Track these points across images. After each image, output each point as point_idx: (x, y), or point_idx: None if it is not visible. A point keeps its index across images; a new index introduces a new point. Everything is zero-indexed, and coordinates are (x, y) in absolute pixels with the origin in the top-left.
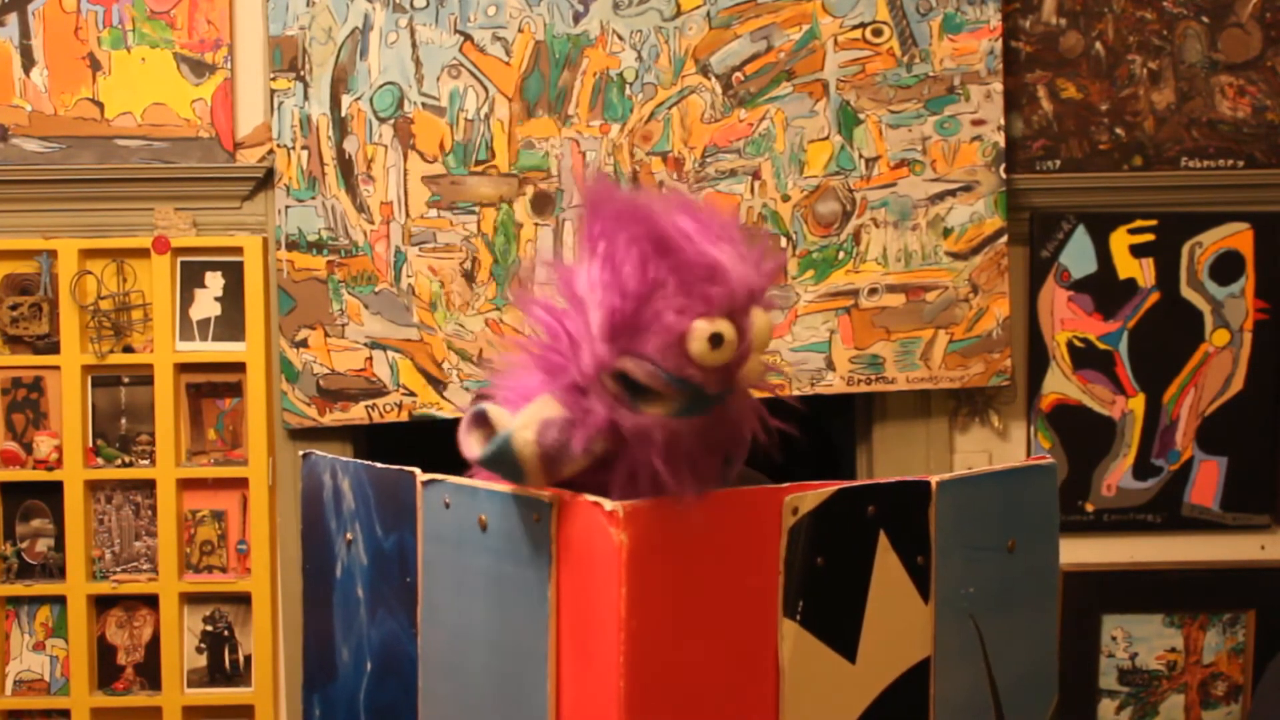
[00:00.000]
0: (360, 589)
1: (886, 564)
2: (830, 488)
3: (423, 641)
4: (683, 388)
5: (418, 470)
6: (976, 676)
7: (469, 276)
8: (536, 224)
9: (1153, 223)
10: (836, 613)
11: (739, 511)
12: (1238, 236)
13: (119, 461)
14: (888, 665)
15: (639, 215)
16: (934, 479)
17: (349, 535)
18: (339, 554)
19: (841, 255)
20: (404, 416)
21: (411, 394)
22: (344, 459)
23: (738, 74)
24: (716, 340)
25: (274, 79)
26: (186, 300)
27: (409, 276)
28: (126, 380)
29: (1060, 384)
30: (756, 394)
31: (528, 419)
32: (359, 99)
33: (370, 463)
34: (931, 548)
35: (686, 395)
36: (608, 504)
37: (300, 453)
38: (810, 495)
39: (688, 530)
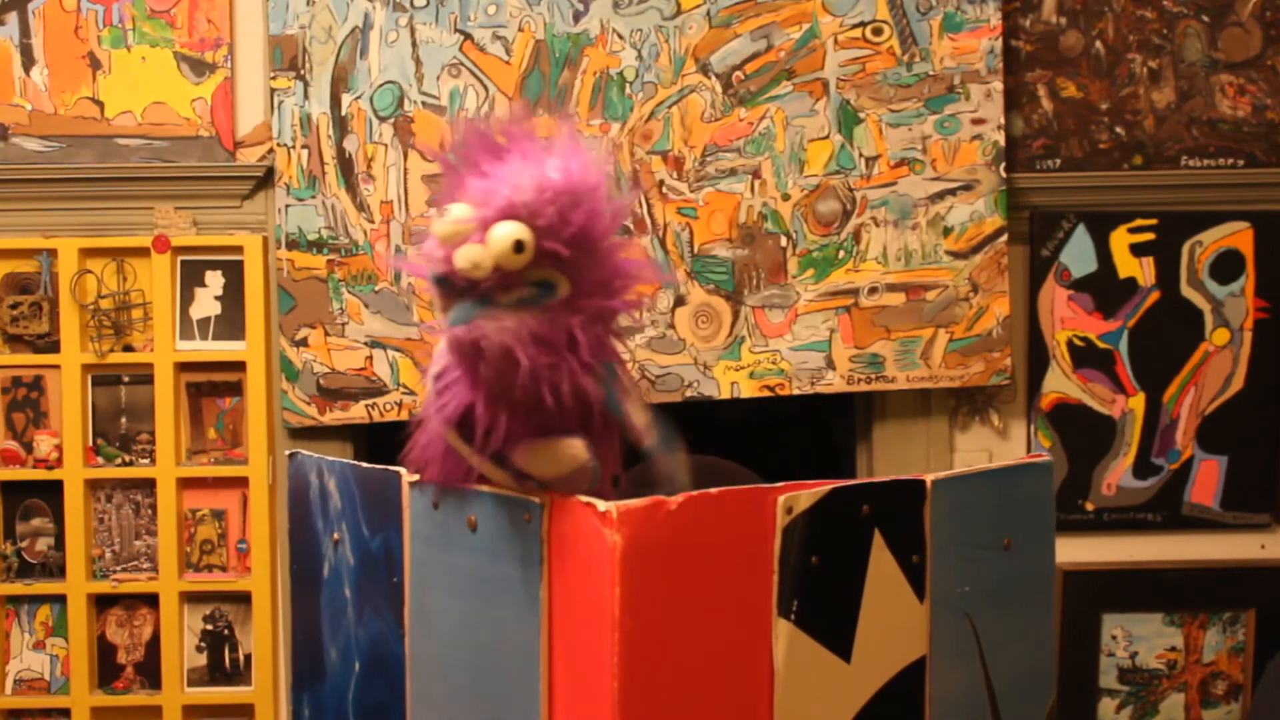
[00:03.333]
0: (347, 589)
1: (881, 563)
2: (825, 486)
3: (411, 642)
4: (432, 277)
5: (403, 470)
6: (972, 675)
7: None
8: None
9: (1153, 222)
10: (831, 612)
11: (733, 511)
12: (1238, 235)
13: (119, 460)
14: (883, 664)
15: (470, 150)
16: (929, 478)
17: (336, 535)
18: (326, 554)
19: (841, 254)
20: (404, 416)
21: (411, 393)
22: (330, 458)
23: (738, 73)
24: (443, 213)
25: (274, 78)
26: (186, 299)
27: (409, 275)
28: (126, 379)
29: (1060, 383)
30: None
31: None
32: (359, 98)
33: (356, 462)
34: (927, 546)
35: (442, 288)
36: (601, 504)
37: (286, 453)
38: (805, 494)
39: (681, 530)
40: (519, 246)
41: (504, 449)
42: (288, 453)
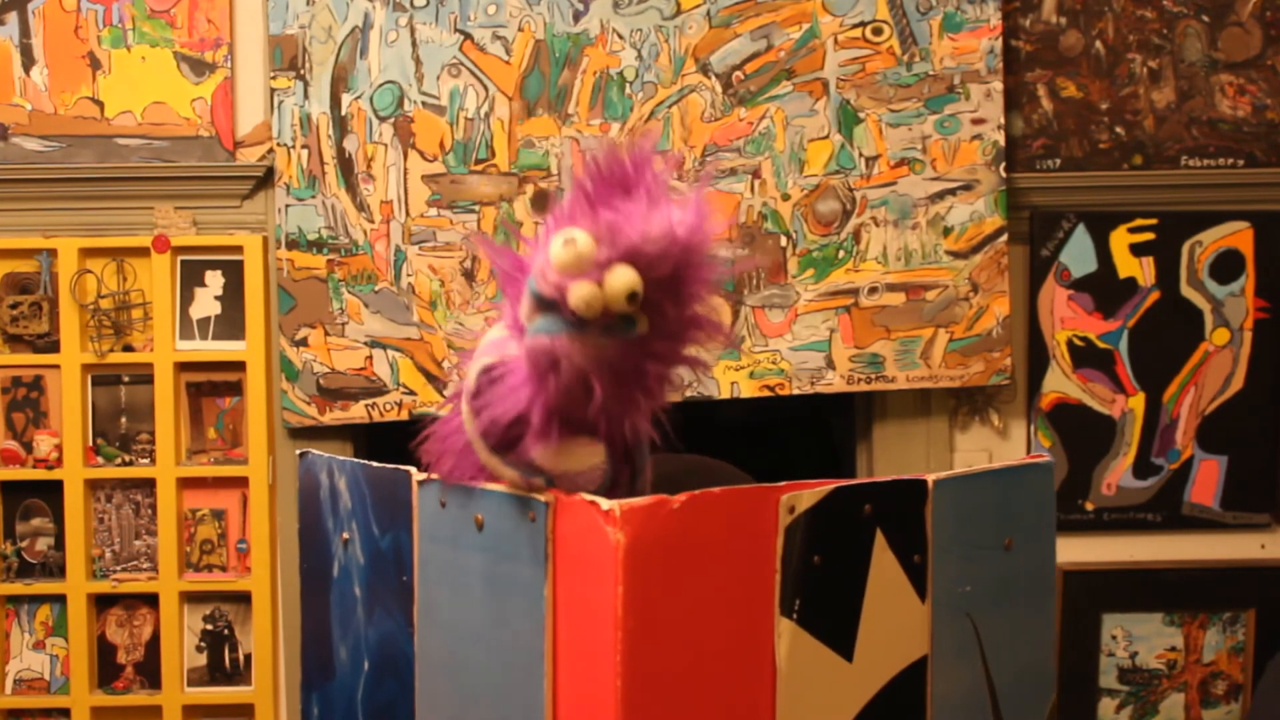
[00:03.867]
0: (357, 588)
1: (883, 562)
2: (827, 486)
3: (420, 641)
4: (534, 292)
5: (413, 469)
6: (974, 675)
7: (469, 275)
8: (536, 223)
9: (1153, 221)
10: (833, 611)
11: (736, 510)
12: (1238, 235)
13: (119, 460)
14: (885, 664)
15: (607, 176)
16: (930, 477)
17: (345, 535)
18: (336, 553)
19: (841, 254)
20: (404, 415)
21: (411, 393)
22: (341, 458)
23: (738, 73)
24: (569, 242)
25: (274, 78)
26: (186, 299)
27: (409, 275)
28: (126, 379)
29: (1060, 383)
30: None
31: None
32: (359, 98)
33: (367, 462)
34: (928, 546)
35: (538, 302)
36: (604, 503)
37: (297, 452)
38: (807, 494)
39: (684, 529)
40: (633, 298)
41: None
42: (298, 452)
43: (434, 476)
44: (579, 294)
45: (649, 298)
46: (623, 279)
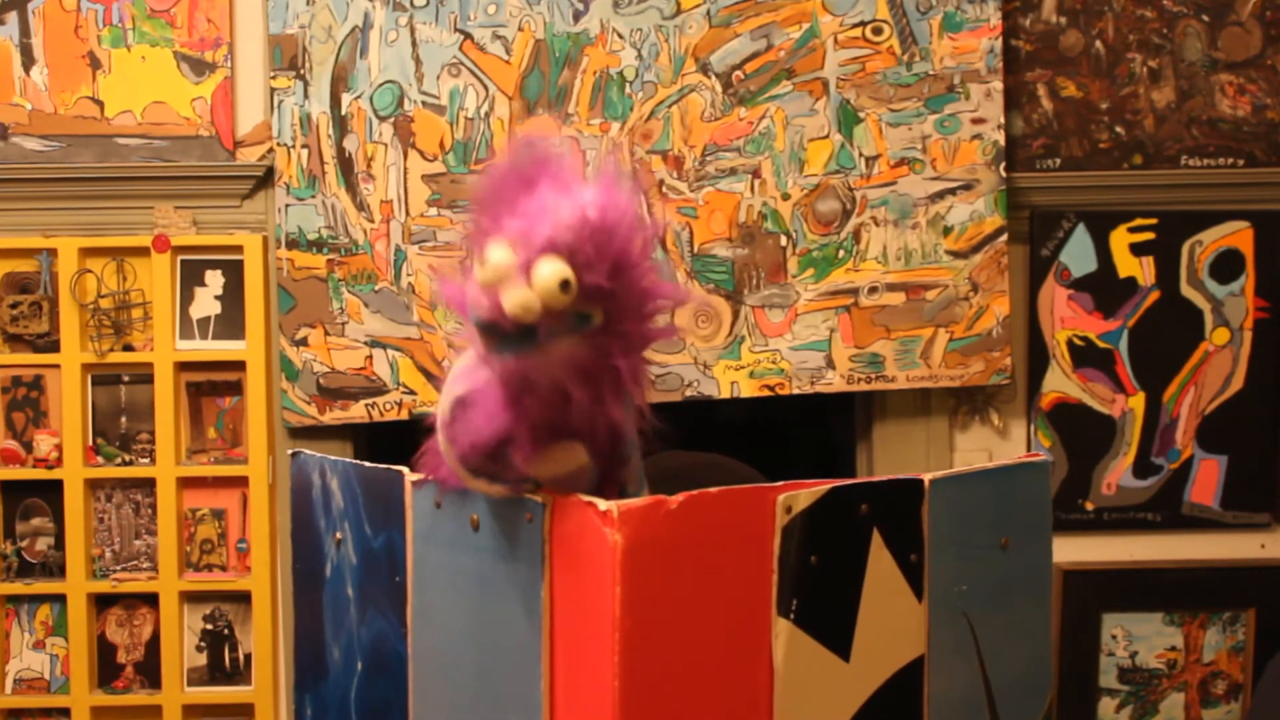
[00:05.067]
0: (350, 588)
1: (880, 562)
2: (823, 486)
3: (414, 641)
4: (476, 321)
5: (406, 469)
6: (971, 674)
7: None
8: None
9: (1153, 221)
10: (830, 611)
11: (733, 510)
12: (1238, 235)
13: (119, 460)
14: (882, 664)
15: (503, 187)
16: (927, 477)
17: (338, 535)
18: (329, 553)
19: (841, 254)
20: (404, 415)
21: (411, 392)
22: (333, 458)
23: (738, 72)
24: (483, 259)
25: (274, 77)
26: (186, 299)
27: (409, 275)
28: (126, 379)
29: (1060, 382)
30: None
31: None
32: (359, 97)
33: (359, 462)
34: (925, 546)
35: (484, 330)
36: (602, 504)
37: (289, 452)
38: (804, 494)
39: (682, 529)
40: (565, 286)
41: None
42: (290, 452)
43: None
44: (512, 301)
45: (589, 285)
46: (547, 272)
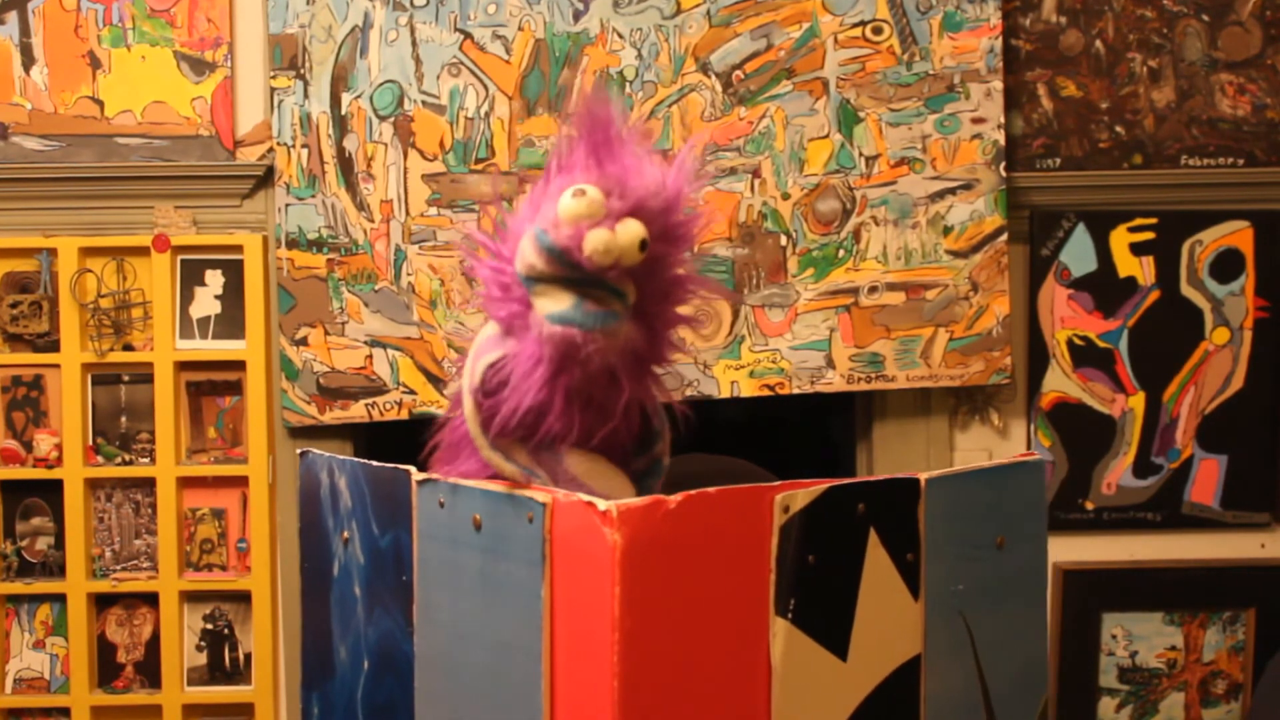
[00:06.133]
0: (357, 587)
1: (877, 561)
2: (820, 485)
3: (419, 640)
4: (547, 248)
5: (413, 469)
6: (967, 673)
7: (469, 275)
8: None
9: (1153, 221)
10: (828, 610)
11: (731, 510)
12: (1238, 234)
13: (119, 460)
14: (879, 663)
15: (599, 132)
16: (923, 476)
17: (346, 534)
18: (336, 552)
19: (841, 253)
20: (404, 415)
21: (411, 392)
22: (341, 457)
23: (737, 72)
24: (580, 193)
25: (274, 77)
26: (186, 298)
27: (409, 274)
28: (126, 378)
29: (1060, 382)
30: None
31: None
32: (359, 97)
33: (367, 461)
34: (921, 545)
35: (553, 259)
36: (601, 504)
37: (298, 451)
38: (801, 493)
39: (680, 529)
40: (644, 245)
41: (554, 443)
42: (299, 451)
43: (434, 477)
44: (595, 241)
45: (653, 254)
46: (634, 229)
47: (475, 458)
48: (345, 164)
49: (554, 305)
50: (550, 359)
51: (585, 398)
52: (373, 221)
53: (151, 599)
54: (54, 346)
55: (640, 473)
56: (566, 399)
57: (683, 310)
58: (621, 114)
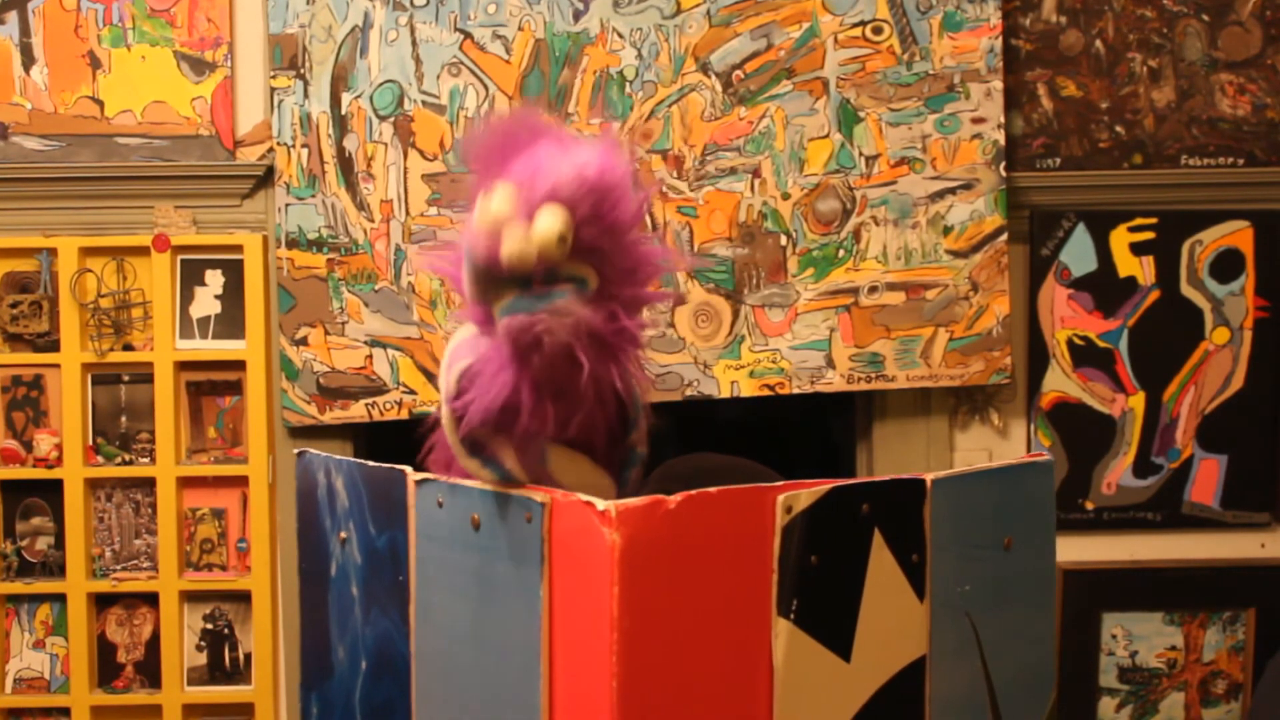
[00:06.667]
0: (355, 587)
1: (881, 562)
2: (824, 486)
3: (417, 640)
4: (471, 264)
5: (409, 469)
6: (973, 675)
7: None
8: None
9: (1153, 220)
10: (831, 611)
11: (732, 510)
12: (1238, 234)
13: (119, 459)
14: (883, 664)
15: (511, 140)
16: (929, 477)
17: (343, 534)
18: (334, 552)
19: (841, 253)
20: (404, 414)
21: (412, 392)
22: (338, 457)
23: (738, 72)
24: (485, 203)
25: (274, 77)
26: (186, 298)
27: (409, 274)
28: (126, 378)
29: (1060, 382)
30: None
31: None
32: (359, 97)
33: (363, 461)
34: (926, 546)
35: (473, 268)
36: (600, 504)
37: (295, 451)
38: (804, 494)
39: (681, 529)
40: (563, 239)
41: (532, 439)
42: (296, 451)
43: (432, 477)
44: (510, 247)
45: (585, 240)
46: (547, 222)
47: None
48: (345, 164)
49: (503, 302)
50: (511, 355)
51: (553, 388)
52: (373, 221)
53: (151, 599)
54: (54, 346)
55: (617, 463)
56: (535, 392)
57: (649, 290)
58: (531, 120)
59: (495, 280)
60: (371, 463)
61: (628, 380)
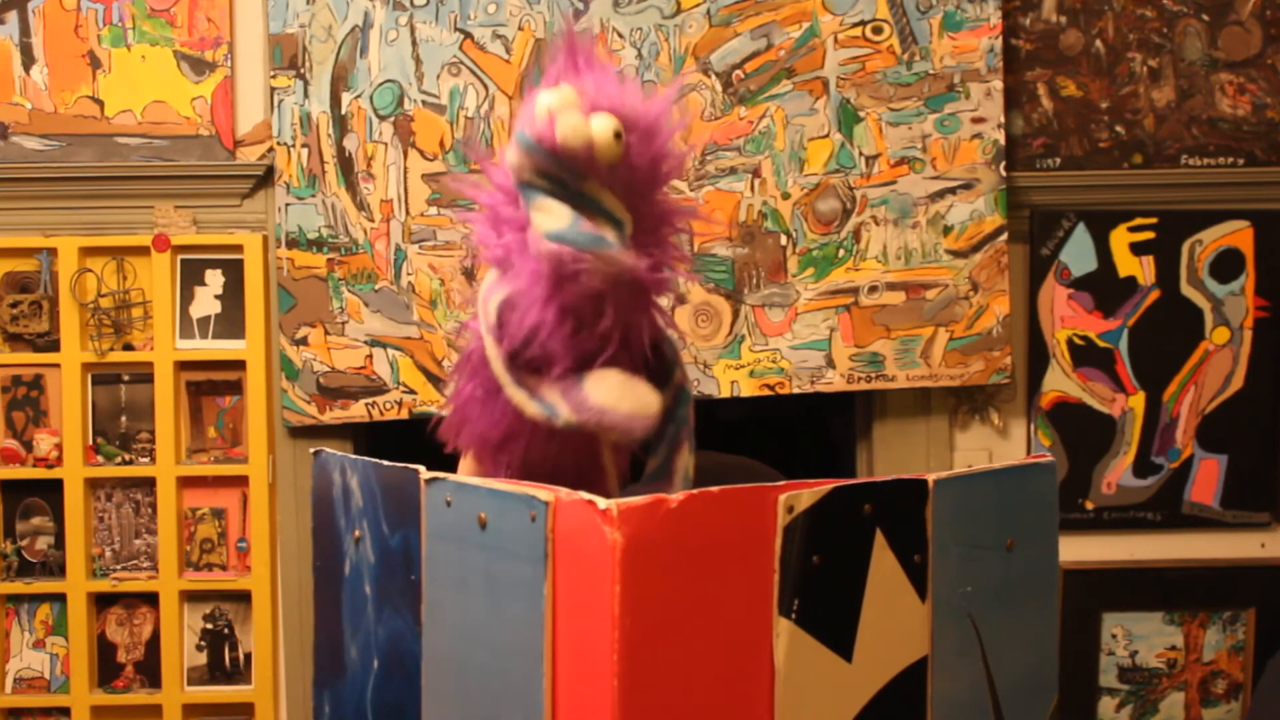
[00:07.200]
0: (368, 587)
1: (883, 562)
2: (826, 486)
3: (426, 639)
4: (524, 143)
5: (422, 468)
6: (975, 676)
7: (469, 274)
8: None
9: (1153, 220)
10: (833, 611)
11: (734, 509)
12: (1238, 234)
13: (119, 459)
14: (884, 664)
15: (579, 52)
16: (931, 477)
17: (357, 533)
18: (347, 552)
19: (841, 253)
20: (404, 414)
21: (412, 392)
22: (353, 456)
23: (738, 72)
24: (554, 88)
25: (274, 77)
26: (186, 298)
27: (409, 274)
28: (126, 378)
29: (1060, 382)
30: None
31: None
32: (359, 97)
33: (378, 460)
34: (929, 546)
35: (531, 153)
36: (602, 502)
37: (311, 450)
38: (806, 493)
39: (682, 528)
40: (619, 136)
41: (568, 372)
42: (312, 450)
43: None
44: (566, 124)
45: (626, 180)
46: (608, 119)
47: (474, 380)
48: (345, 164)
49: (551, 222)
50: (548, 276)
51: (579, 319)
52: (373, 221)
53: (151, 599)
54: (54, 346)
55: (669, 405)
56: (559, 317)
57: (675, 241)
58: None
59: (538, 169)
60: (386, 462)
61: (658, 329)
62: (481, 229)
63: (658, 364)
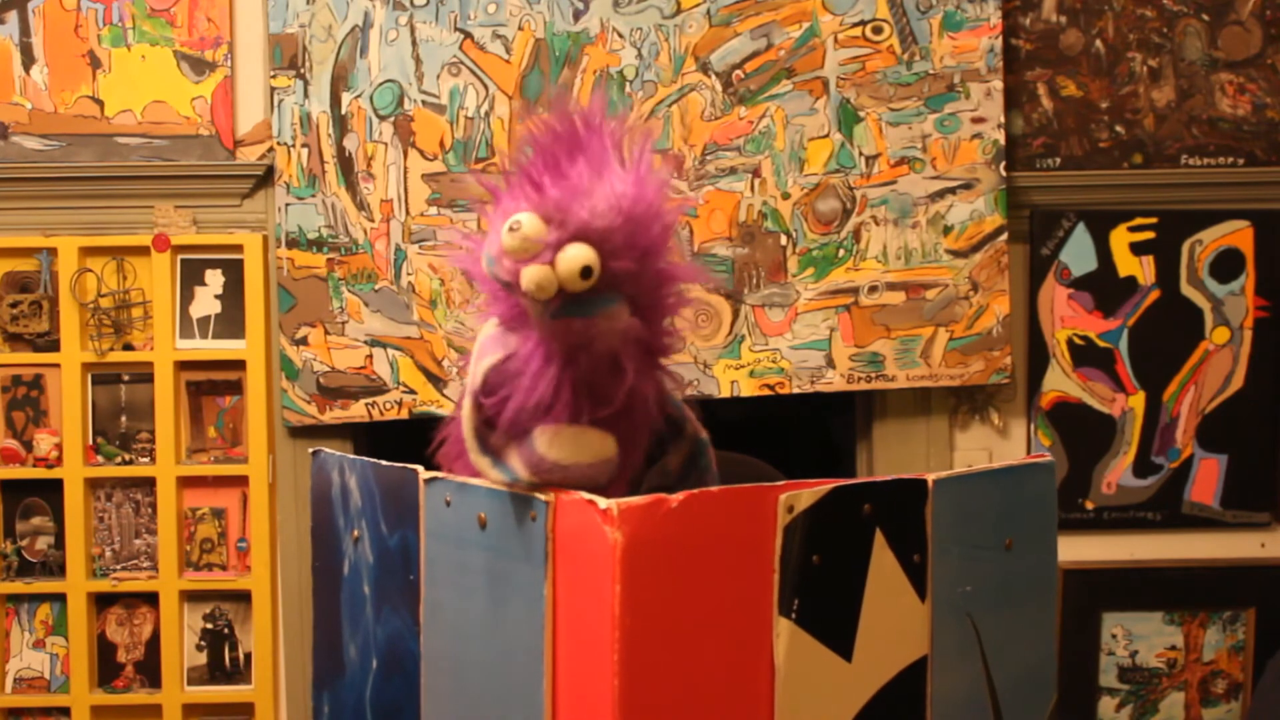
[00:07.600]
0: (367, 586)
1: (883, 562)
2: (826, 485)
3: (425, 639)
4: (492, 275)
5: (420, 468)
6: (974, 675)
7: (469, 274)
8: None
9: (1153, 220)
10: (832, 611)
11: (734, 509)
12: (1238, 234)
13: (119, 459)
14: (884, 664)
15: (555, 145)
16: (931, 477)
17: (356, 533)
18: (346, 551)
19: (841, 253)
20: (404, 414)
21: (412, 392)
22: (352, 456)
23: (738, 72)
24: (514, 229)
25: (274, 76)
26: (186, 298)
27: (409, 274)
28: (126, 378)
29: (1060, 382)
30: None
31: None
32: (359, 97)
33: (376, 460)
34: (928, 546)
35: (500, 286)
36: (602, 502)
37: (310, 450)
38: (806, 493)
39: (682, 528)
40: (587, 273)
41: (520, 433)
42: (311, 450)
43: (441, 476)
44: (530, 278)
45: (616, 271)
46: (574, 258)
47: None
48: (345, 163)
49: (550, 305)
50: (557, 353)
51: (588, 385)
52: (373, 221)
53: (151, 598)
54: (54, 346)
55: (689, 454)
56: (574, 390)
57: (676, 300)
58: (588, 123)
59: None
60: (384, 462)
61: (663, 389)
62: (483, 279)
63: (667, 424)
